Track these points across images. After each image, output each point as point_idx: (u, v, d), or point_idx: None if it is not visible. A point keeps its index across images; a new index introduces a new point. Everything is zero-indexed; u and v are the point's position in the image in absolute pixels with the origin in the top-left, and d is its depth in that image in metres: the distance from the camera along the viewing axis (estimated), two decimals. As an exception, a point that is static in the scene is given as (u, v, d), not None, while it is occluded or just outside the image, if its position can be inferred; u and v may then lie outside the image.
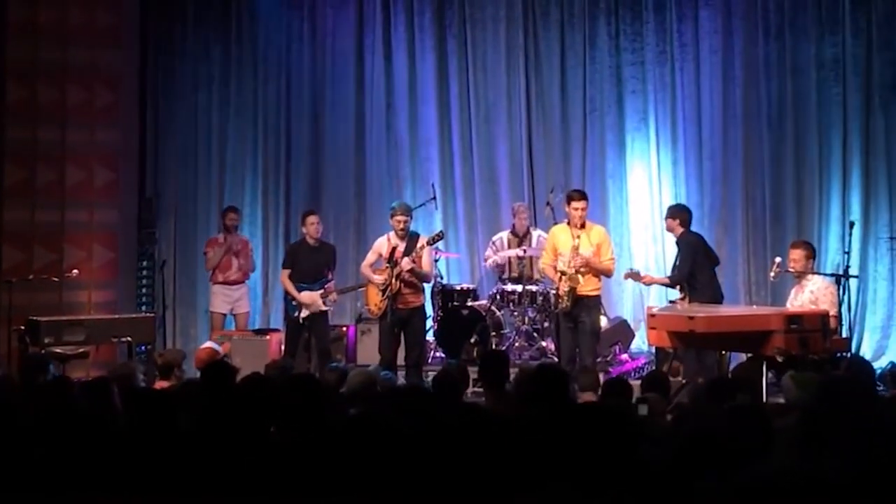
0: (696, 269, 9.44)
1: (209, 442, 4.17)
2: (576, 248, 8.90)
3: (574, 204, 9.08)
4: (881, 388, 8.40)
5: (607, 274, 9.38)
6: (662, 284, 9.82)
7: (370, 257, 9.75)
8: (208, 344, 8.89)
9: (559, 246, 9.11)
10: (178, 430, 4.50)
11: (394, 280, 9.31)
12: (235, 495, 3.79)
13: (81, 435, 4.27)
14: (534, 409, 5.14)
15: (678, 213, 9.74)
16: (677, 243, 9.63)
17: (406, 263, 9.24)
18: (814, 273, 8.73)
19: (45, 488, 3.84)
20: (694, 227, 11.43)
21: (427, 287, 10.03)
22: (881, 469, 3.36)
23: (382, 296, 9.36)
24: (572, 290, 8.89)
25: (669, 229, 9.78)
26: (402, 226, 9.47)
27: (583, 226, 9.05)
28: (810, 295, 8.55)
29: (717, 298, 9.48)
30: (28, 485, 3.85)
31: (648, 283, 10.01)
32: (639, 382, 8.60)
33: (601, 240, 9.11)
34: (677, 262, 9.53)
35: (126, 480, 3.91)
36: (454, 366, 7.41)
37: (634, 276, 9.64)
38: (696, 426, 4.05)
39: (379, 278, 9.46)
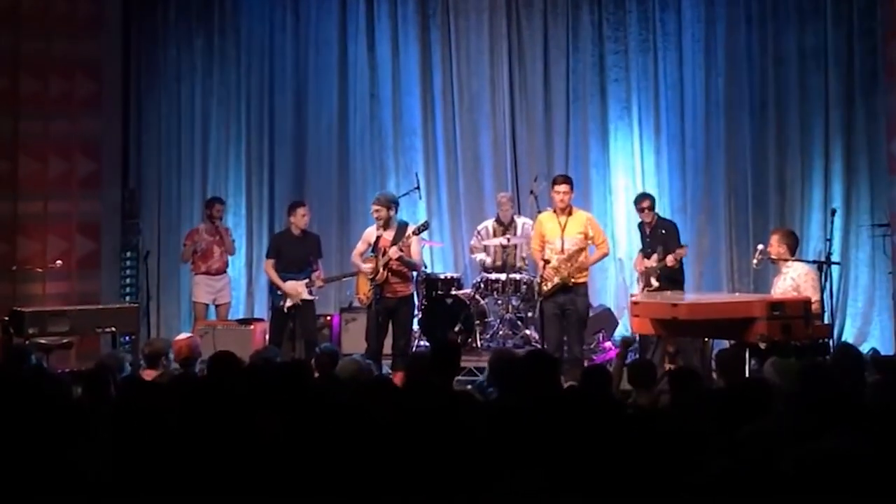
0: None
1: (198, 432, 4.18)
2: (568, 260, 8.98)
3: (556, 187, 9.21)
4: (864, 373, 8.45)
5: (605, 256, 9.65)
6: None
7: (360, 246, 9.76)
8: (185, 335, 8.87)
9: (546, 233, 9.20)
10: (167, 421, 4.50)
11: (381, 269, 9.33)
12: (223, 486, 3.80)
13: (53, 424, 4.26)
14: (522, 397, 5.18)
15: (653, 200, 10.01)
16: (658, 227, 9.79)
17: (394, 252, 9.25)
18: (794, 260, 8.78)
19: (29, 482, 3.82)
20: (677, 216, 11.57)
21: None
22: (866, 453, 3.39)
23: (371, 284, 9.37)
24: (562, 283, 8.99)
25: (650, 218, 9.91)
26: (375, 215, 9.50)
27: (569, 212, 9.15)
28: (791, 282, 8.60)
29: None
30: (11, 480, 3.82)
31: (672, 265, 9.90)
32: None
33: (590, 225, 9.21)
34: (665, 247, 9.61)
35: (113, 472, 3.91)
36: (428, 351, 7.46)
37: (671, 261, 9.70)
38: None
39: (367, 267, 9.48)
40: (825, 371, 5.44)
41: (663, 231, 9.93)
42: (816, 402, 4.42)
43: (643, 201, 10.15)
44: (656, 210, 10.15)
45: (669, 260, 9.66)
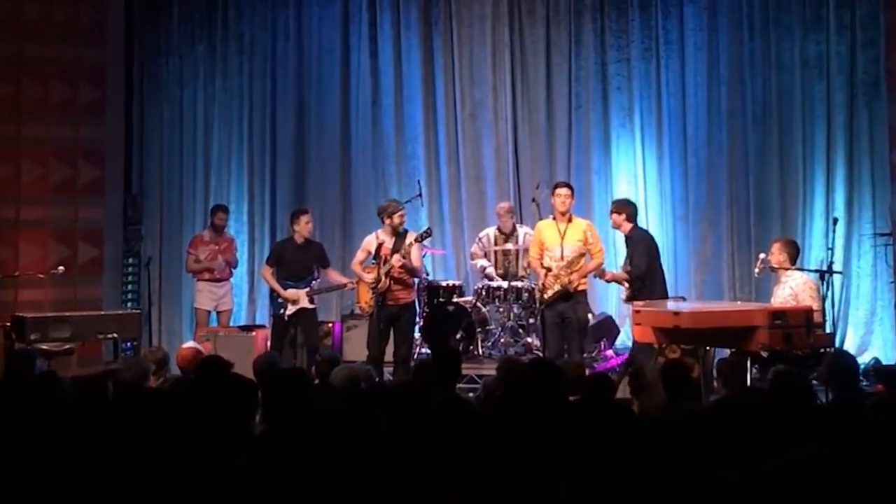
0: (650, 265, 9.44)
1: (198, 438, 4.18)
2: (568, 266, 8.97)
3: (558, 191, 9.27)
4: (865, 383, 8.46)
5: (600, 266, 9.52)
6: (622, 281, 9.62)
7: (360, 255, 9.77)
8: (191, 343, 8.87)
9: (545, 241, 9.21)
10: (167, 427, 4.50)
11: (383, 277, 9.33)
12: (222, 492, 3.80)
13: (70, 430, 4.27)
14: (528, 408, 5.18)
15: (624, 208, 9.65)
16: (628, 238, 9.58)
17: (397, 259, 9.26)
18: (793, 269, 8.77)
19: (37, 486, 3.82)
20: (678, 224, 11.54)
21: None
22: (867, 462, 3.39)
23: (372, 293, 9.38)
24: (563, 290, 8.98)
25: (616, 225, 9.64)
26: (403, 220, 9.52)
27: (569, 219, 9.16)
28: (790, 290, 8.60)
29: (665, 294, 9.54)
30: (20, 483, 3.82)
31: (609, 280, 9.90)
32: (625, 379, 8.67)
33: (589, 233, 9.20)
34: (630, 259, 9.48)
35: (115, 477, 3.91)
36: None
37: (600, 273, 9.58)
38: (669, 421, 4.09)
39: (369, 276, 9.48)
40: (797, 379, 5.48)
41: (628, 243, 9.59)
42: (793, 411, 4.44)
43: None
44: (623, 217, 9.55)
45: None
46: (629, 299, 9.29)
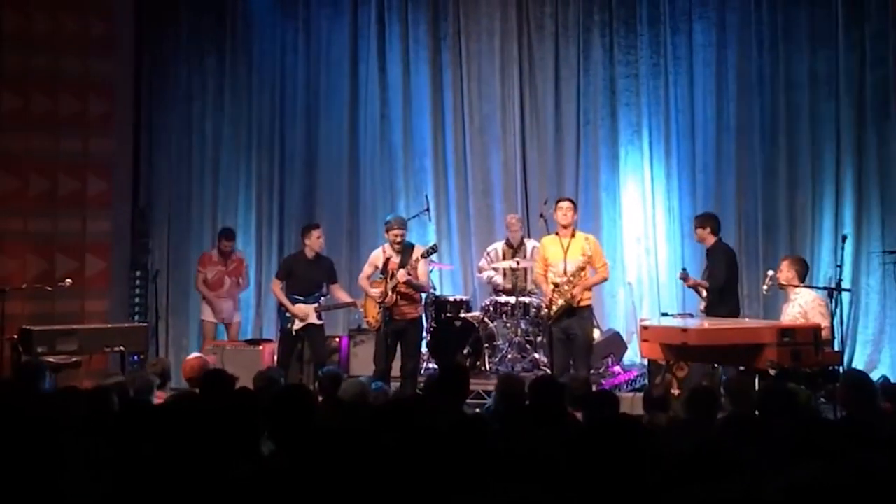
0: (728, 280, 9.48)
1: (201, 453, 4.16)
2: (570, 281, 8.96)
3: (560, 205, 9.29)
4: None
5: (604, 281, 9.55)
6: (703, 288, 9.70)
7: (367, 270, 9.75)
8: (197, 353, 8.86)
9: (549, 257, 9.20)
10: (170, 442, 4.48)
11: (390, 292, 9.32)
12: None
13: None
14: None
15: (707, 222, 9.76)
16: (710, 251, 9.64)
17: (402, 275, 9.24)
18: (803, 286, 8.74)
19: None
20: (686, 240, 11.50)
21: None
22: (877, 479, 3.36)
23: (379, 308, 9.36)
24: (567, 305, 8.95)
25: (700, 239, 9.78)
26: (399, 239, 9.49)
27: (572, 234, 9.14)
28: (799, 308, 8.59)
29: (736, 313, 9.52)
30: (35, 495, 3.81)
31: (692, 286, 9.93)
32: (631, 395, 8.68)
33: (592, 247, 9.16)
34: (709, 270, 9.52)
35: (115, 491, 3.90)
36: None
37: (684, 276, 9.72)
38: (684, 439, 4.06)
39: (376, 291, 9.46)
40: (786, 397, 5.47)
41: (710, 255, 9.75)
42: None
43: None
44: (707, 230, 9.72)
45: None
46: (706, 310, 9.43)
